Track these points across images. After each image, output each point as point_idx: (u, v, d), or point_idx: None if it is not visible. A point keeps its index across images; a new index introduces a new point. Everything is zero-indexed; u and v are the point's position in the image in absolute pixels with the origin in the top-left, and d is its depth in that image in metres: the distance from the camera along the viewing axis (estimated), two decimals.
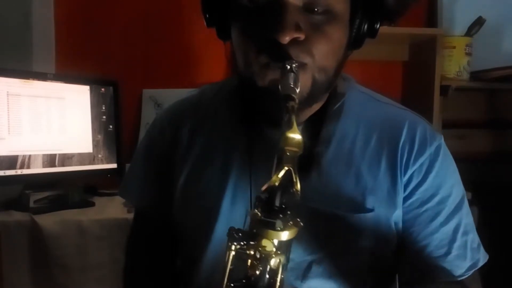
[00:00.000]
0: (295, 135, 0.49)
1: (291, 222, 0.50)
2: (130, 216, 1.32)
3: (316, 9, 0.60)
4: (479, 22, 1.72)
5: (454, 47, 1.72)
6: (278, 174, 0.49)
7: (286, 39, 0.57)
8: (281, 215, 0.49)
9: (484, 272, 0.73)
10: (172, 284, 0.82)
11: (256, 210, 0.49)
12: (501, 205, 1.73)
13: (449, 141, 0.73)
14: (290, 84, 0.56)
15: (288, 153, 0.49)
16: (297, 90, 0.56)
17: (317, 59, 0.61)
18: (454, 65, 1.72)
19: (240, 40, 0.64)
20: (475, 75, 1.76)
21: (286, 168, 0.49)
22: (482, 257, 0.72)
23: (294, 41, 0.58)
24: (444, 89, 1.69)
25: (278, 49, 0.58)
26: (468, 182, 0.78)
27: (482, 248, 0.73)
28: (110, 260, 1.40)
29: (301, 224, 0.50)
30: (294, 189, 0.50)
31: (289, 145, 0.49)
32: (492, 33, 1.81)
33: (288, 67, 0.58)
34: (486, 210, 1.54)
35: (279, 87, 0.56)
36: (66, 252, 1.38)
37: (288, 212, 0.50)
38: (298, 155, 0.50)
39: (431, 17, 1.92)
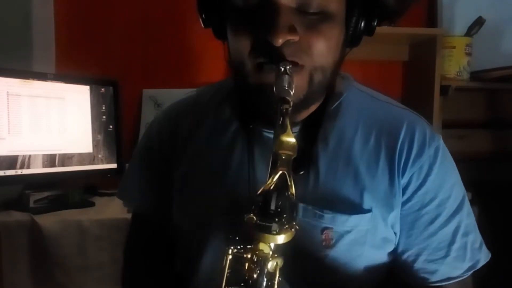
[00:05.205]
0: (290, 139, 0.49)
1: (286, 226, 0.50)
2: (130, 216, 1.32)
3: (310, 10, 0.59)
4: (479, 22, 1.72)
5: (454, 47, 1.72)
6: (273, 178, 0.49)
7: (279, 41, 0.57)
8: (276, 219, 0.49)
9: (484, 273, 0.72)
10: (171, 287, 0.81)
11: (251, 215, 0.49)
12: (501, 205, 1.73)
13: (449, 141, 0.73)
14: (285, 86, 0.55)
15: (283, 157, 0.49)
16: (292, 92, 0.55)
17: (314, 59, 0.60)
18: (454, 65, 1.72)
19: (234, 40, 0.63)
20: (475, 75, 1.76)
21: (280, 171, 0.49)
22: (484, 257, 0.71)
23: (288, 42, 0.58)
24: (444, 89, 1.69)
25: (272, 50, 0.58)
26: (468, 182, 0.77)
27: (484, 248, 0.71)
28: (110, 260, 1.40)
29: (297, 227, 0.50)
30: (289, 193, 0.50)
31: (283, 148, 0.49)
32: (492, 33, 1.81)
33: (282, 69, 0.57)
34: (486, 210, 1.54)
35: (274, 89, 0.56)
36: (66, 252, 1.38)
37: (284, 215, 0.50)
38: (293, 158, 0.49)
39: (431, 17, 1.92)
